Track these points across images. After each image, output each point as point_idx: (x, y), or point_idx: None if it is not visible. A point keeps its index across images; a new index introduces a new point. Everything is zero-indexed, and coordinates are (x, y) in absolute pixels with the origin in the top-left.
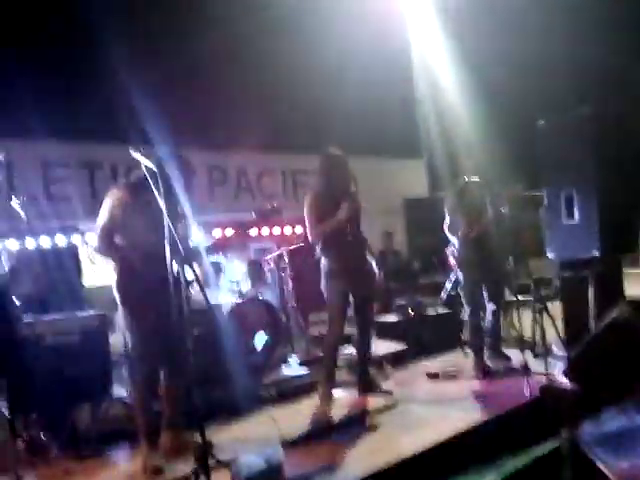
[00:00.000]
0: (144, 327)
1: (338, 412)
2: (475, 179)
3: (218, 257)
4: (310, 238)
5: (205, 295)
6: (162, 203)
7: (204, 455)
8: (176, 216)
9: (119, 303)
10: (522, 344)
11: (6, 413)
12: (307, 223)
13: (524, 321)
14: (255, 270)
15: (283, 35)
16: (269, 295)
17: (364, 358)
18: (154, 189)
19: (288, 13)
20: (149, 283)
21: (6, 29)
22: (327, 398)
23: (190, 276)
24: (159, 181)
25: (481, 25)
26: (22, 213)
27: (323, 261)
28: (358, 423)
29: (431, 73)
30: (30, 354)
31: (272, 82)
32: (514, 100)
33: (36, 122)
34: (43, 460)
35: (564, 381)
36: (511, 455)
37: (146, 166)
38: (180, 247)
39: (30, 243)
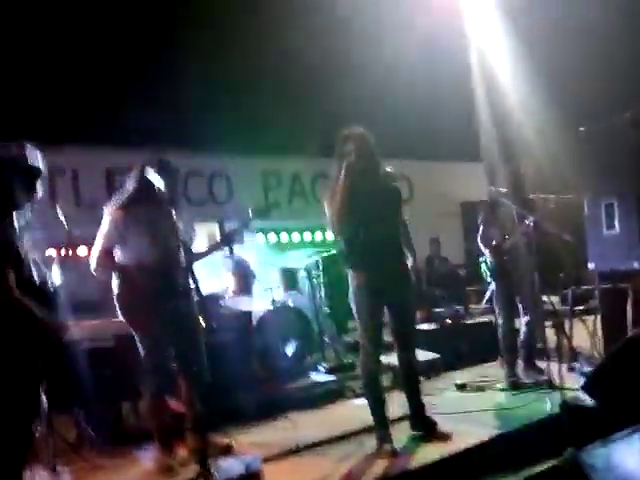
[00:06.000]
0: (150, 339)
1: None
2: (503, 190)
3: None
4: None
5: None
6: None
7: (204, 459)
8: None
9: (120, 316)
10: (558, 357)
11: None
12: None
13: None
14: (288, 277)
15: (335, 35)
16: (302, 302)
17: (411, 386)
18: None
19: (338, 12)
20: (151, 295)
21: None
22: (381, 445)
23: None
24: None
25: (543, 25)
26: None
27: (350, 273)
28: None
29: (491, 73)
30: (67, 356)
31: (319, 81)
32: (577, 105)
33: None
34: (79, 455)
35: (585, 397)
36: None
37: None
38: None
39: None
